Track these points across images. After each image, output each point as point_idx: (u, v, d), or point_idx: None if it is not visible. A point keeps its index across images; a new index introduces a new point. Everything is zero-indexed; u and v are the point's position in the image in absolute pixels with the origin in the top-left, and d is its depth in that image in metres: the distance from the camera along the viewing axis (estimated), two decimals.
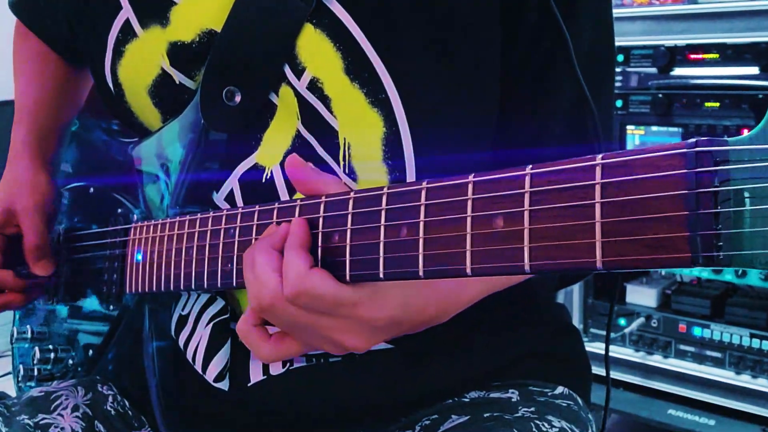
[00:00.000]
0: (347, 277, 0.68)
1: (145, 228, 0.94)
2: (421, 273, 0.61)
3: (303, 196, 0.75)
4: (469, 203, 0.58)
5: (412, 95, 0.82)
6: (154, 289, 0.91)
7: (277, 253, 0.71)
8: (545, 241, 0.53)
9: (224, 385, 0.92)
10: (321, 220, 0.70)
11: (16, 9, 1.16)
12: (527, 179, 0.54)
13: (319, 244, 0.70)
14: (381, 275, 0.64)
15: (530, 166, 0.54)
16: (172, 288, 0.88)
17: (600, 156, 0.51)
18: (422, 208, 0.61)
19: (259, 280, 0.71)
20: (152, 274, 0.91)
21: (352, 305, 0.69)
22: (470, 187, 0.58)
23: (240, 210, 0.80)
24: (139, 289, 0.94)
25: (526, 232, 0.54)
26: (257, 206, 0.77)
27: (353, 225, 0.67)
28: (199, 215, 0.85)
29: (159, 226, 0.91)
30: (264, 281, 0.70)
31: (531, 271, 0.54)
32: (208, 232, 0.83)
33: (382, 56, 0.82)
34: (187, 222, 0.86)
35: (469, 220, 0.58)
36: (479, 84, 0.84)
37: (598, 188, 0.50)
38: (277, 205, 0.75)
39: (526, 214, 0.54)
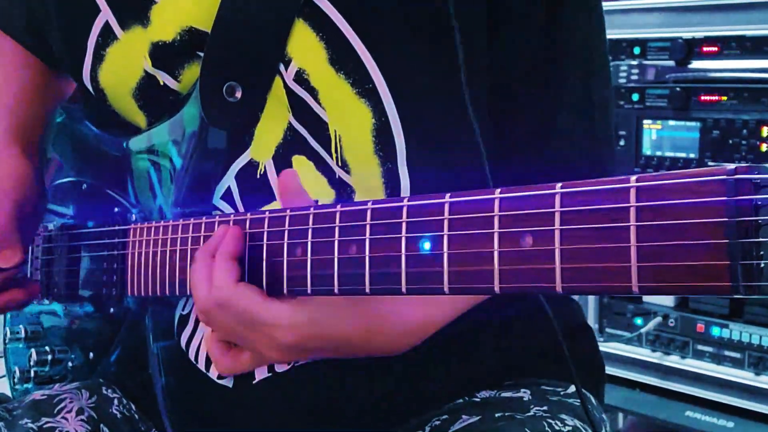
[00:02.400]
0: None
1: (146, 230, 0.92)
2: (446, 290, 0.60)
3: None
4: (496, 220, 0.56)
5: (400, 83, 0.82)
6: (158, 293, 0.89)
7: (210, 260, 0.76)
8: (578, 263, 0.51)
9: (228, 382, 0.91)
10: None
11: None
12: (557, 198, 0.52)
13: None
14: (404, 290, 0.63)
15: (560, 184, 0.53)
16: (177, 293, 0.87)
17: (634, 177, 0.49)
18: (446, 222, 0.60)
19: (194, 285, 0.78)
20: (155, 277, 0.90)
21: (270, 326, 0.75)
22: (496, 203, 0.56)
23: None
24: (141, 293, 0.92)
25: (557, 252, 0.52)
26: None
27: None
28: (203, 219, 0.83)
29: (161, 228, 0.89)
30: (197, 286, 0.77)
31: (563, 292, 0.52)
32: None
33: (368, 45, 0.81)
34: (191, 226, 0.84)
35: (496, 235, 0.56)
36: (468, 69, 0.83)
37: (632, 211, 0.49)
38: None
39: (557, 233, 0.52)
